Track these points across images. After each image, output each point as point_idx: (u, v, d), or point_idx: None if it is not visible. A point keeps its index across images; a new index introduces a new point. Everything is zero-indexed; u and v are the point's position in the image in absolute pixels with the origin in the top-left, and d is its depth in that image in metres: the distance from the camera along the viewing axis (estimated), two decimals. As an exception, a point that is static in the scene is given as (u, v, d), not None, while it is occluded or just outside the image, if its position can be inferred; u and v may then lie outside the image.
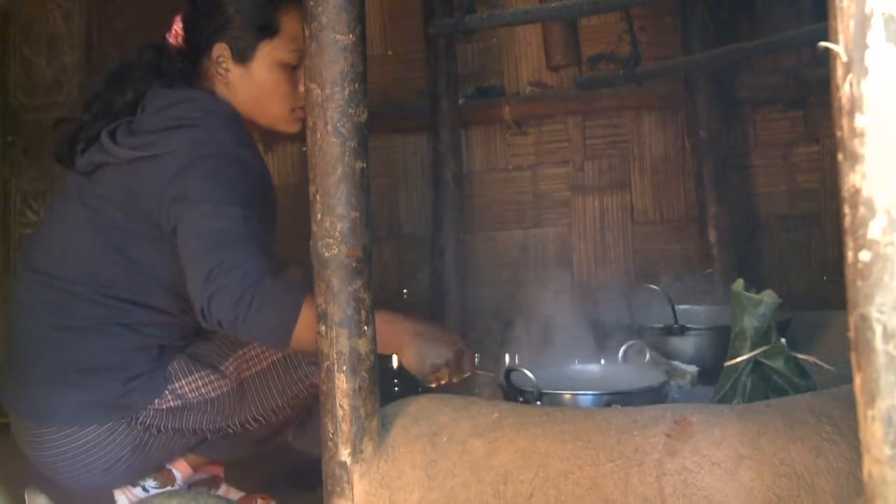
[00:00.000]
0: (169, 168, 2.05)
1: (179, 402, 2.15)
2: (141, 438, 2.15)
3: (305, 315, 1.86)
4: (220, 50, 2.21)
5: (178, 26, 2.29)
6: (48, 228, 2.25)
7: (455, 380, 2.11)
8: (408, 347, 2.04)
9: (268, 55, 2.20)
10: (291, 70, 2.21)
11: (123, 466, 2.17)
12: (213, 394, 2.17)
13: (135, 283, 2.14)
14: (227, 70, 2.22)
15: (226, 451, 2.35)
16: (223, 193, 2.01)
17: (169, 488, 2.28)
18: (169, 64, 2.25)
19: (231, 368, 2.19)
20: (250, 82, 2.21)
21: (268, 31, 2.19)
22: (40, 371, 2.15)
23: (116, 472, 2.18)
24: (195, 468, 2.37)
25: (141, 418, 2.14)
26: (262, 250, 1.98)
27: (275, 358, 2.21)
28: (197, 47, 2.24)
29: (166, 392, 2.15)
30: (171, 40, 2.29)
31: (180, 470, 2.32)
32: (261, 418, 2.21)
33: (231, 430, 2.22)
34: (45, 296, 2.17)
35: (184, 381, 2.17)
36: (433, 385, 2.09)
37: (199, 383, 2.18)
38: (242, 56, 2.21)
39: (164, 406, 2.15)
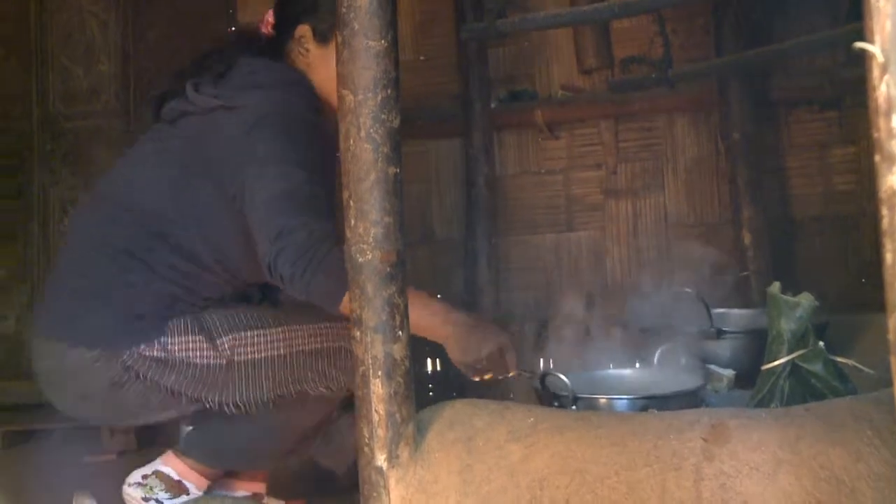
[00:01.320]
0: (241, 122, 2.14)
1: (164, 355, 2.13)
2: (119, 377, 2.13)
3: None
4: (303, 31, 2.32)
5: (269, 17, 2.42)
6: (117, 165, 2.35)
7: (499, 377, 2.11)
8: (452, 338, 2.06)
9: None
10: None
11: (98, 400, 2.17)
12: (197, 360, 2.15)
13: (177, 214, 2.19)
14: (307, 50, 2.32)
15: (240, 459, 2.36)
16: (292, 155, 2.09)
17: (184, 497, 2.27)
18: (257, 42, 2.37)
19: (227, 345, 2.17)
20: (328, 64, 2.24)
21: None
22: (59, 284, 2.23)
23: (91, 403, 2.19)
24: (213, 479, 2.35)
25: (125, 357, 2.12)
26: (328, 213, 2.07)
27: (276, 353, 2.19)
28: (283, 30, 2.36)
29: (155, 341, 2.13)
30: (262, 28, 2.41)
31: (192, 480, 2.30)
32: (242, 405, 2.17)
33: (208, 406, 2.18)
34: (90, 216, 2.27)
35: (176, 340, 2.15)
36: (476, 378, 2.09)
37: (190, 346, 2.15)
38: (324, 38, 2.30)
39: (147, 353, 2.13)
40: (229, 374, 2.16)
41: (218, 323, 2.19)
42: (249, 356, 2.17)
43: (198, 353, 2.15)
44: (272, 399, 2.18)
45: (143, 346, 2.13)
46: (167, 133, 2.27)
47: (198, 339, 2.16)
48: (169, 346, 2.14)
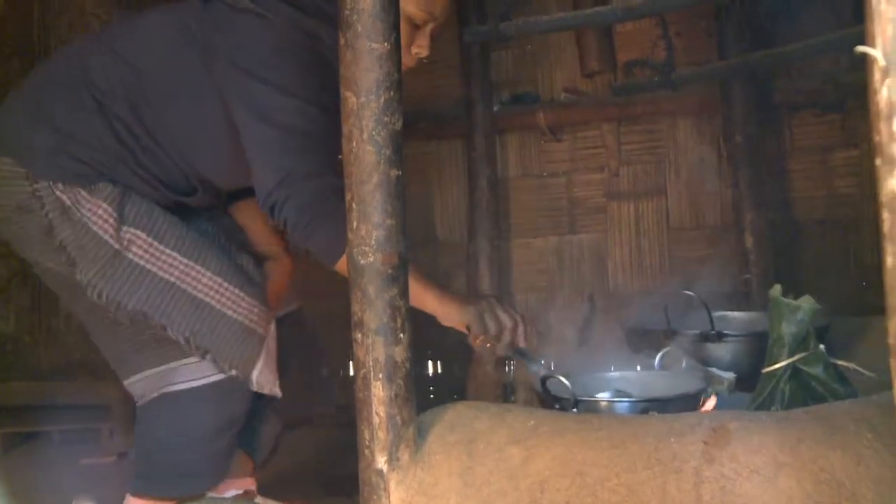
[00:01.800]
0: (268, 36, 2.08)
1: (70, 204, 2.08)
2: (28, 202, 2.10)
3: None
4: None
5: None
6: (137, 15, 2.30)
7: (493, 339, 2.10)
8: (440, 305, 2.09)
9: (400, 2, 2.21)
10: (413, 28, 2.19)
11: (9, 218, 2.15)
12: (94, 228, 2.08)
13: (156, 82, 2.14)
14: None
15: (184, 480, 2.24)
16: (313, 94, 2.04)
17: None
18: None
19: (127, 237, 2.10)
20: None
21: None
22: (27, 92, 2.21)
23: (7, 218, 2.15)
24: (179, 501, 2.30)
25: (39, 185, 2.07)
26: (337, 166, 2.00)
27: (164, 276, 2.10)
28: None
29: (76, 188, 2.08)
30: None
31: None
32: (104, 298, 2.09)
33: (77, 277, 2.10)
34: (82, 46, 2.26)
35: (90, 199, 2.09)
36: (477, 342, 2.09)
37: (97, 213, 2.09)
38: None
39: (59, 193, 2.08)
40: (111, 262, 2.09)
41: (137, 214, 2.12)
42: (139, 261, 2.10)
43: (98, 223, 2.08)
44: (132, 312, 2.09)
45: (59, 185, 2.08)
46: (196, 8, 2.18)
47: (109, 211, 2.09)
48: (80, 200, 2.08)
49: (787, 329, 1.88)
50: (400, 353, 1.59)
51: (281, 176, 2.00)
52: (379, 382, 1.57)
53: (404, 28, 2.14)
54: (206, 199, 2.30)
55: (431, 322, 2.14)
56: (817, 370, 1.87)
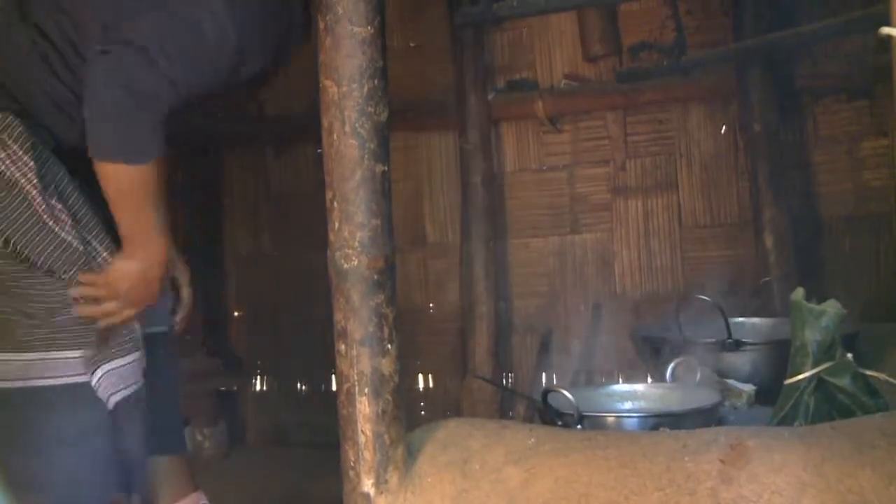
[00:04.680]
0: None
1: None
2: None
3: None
4: None
5: None
6: None
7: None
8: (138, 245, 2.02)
9: None
10: None
11: None
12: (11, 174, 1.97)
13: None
14: None
15: None
16: None
17: None
18: None
19: (57, 209, 2.00)
20: None
21: None
22: None
23: None
24: None
25: None
26: None
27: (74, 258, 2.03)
28: None
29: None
30: None
31: None
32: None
33: None
34: None
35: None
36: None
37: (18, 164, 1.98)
38: None
39: None
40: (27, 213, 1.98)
41: (71, 195, 2.03)
42: (59, 231, 1.99)
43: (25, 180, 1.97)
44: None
45: None
46: None
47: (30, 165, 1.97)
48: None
49: (811, 336, 1.88)
50: (387, 365, 1.59)
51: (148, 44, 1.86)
52: (365, 398, 1.58)
53: None
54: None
55: (423, 331, 2.15)
56: (844, 381, 1.88)
